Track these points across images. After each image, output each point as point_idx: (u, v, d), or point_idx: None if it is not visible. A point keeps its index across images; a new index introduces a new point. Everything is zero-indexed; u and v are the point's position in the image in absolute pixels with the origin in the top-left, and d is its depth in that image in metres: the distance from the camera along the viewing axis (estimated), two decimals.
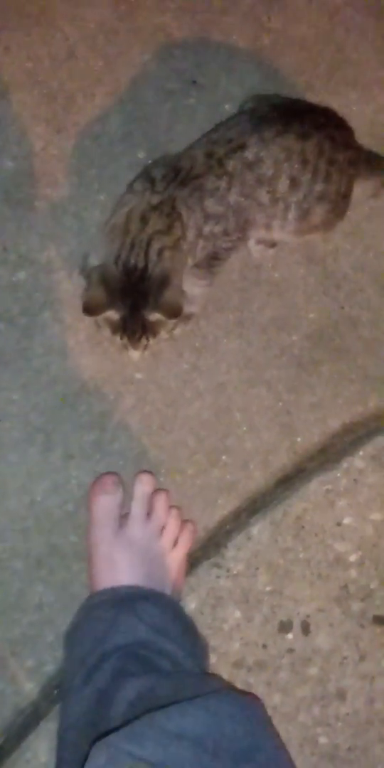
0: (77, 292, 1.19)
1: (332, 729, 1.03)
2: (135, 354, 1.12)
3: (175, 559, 1.04)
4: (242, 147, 1.13)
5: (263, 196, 1.16)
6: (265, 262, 1.27)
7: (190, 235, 1.12)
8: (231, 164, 1.13)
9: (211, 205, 1.13)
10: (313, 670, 1.06)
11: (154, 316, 1.07)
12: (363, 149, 1.28)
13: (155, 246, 1.07)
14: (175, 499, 1.10)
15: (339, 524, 1.13)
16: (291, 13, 1.48)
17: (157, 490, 1.07)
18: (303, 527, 1.12)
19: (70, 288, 1.21)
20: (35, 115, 1.34)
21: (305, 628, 1.07)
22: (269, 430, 1.17)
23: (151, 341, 1.10)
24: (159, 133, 1.34)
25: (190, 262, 1.14)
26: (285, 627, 1.07)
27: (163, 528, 1.04)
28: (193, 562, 1.09)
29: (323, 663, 1.06)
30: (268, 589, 1.09)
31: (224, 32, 1.45)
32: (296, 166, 1.15)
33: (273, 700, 1.03)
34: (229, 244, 1.18)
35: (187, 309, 1.16)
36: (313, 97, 1.38)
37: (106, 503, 1.02)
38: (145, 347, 1.11)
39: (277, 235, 1.23)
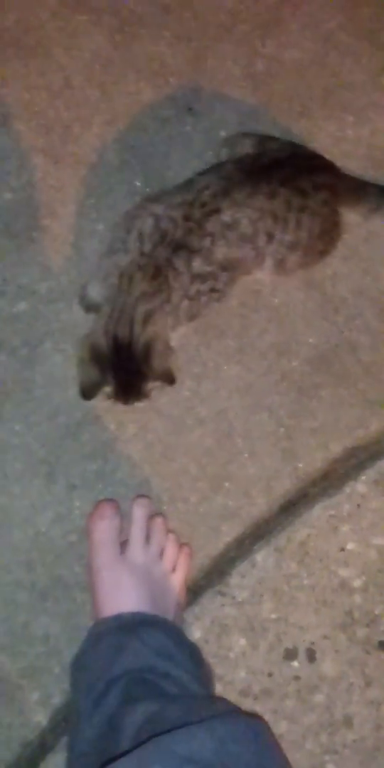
0: (78, 322, 1.20)
1: (340, 756, 1.03)
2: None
3: (176, 582, 1.04)
4: (217, 211, 1.15)
5: (248, 251, 1.19)
6: (263, 285, 1.27)
7: (175, 297, 1.14)
8: (210, 224, 1.15)
9: (198, 265, 1.15)
10: (319, 698, 1.05)
11: (149, 386, 1.12)
12: (347, 179, 1.30)
13: (140, 310, 1.09)
14: (179, 528, 1.10)
15: (343, 549, 1.13)
16: (285, 39, 1.50)
17: (153, 515, 1.07)
18: (307, 553, 1.12)
19: (71, 318, 1.21)
20: (33, 147, 1.35)
21: (311, 655, 1.07)
22: (271, 455, 1.17)
23: (144, 401, 1.14)
24: (156, 160, 1.34)
25: (171, 323, 1.16)
26: (290, 654, 1.07)
27: (162, 551, 1.05)
28: (197, 590, 1.09)
29: (329, 690, 1.06)
30: (273, 616, 1.09)
31: (219, 59, 1.46)
32: (269, 222, 1.18)
33: (280, 728, 1.03)
34: (218, 295, 1.20)
35: None
36: (309, 122, 1.39)
37: (105, 529, 1.03)
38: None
39: (258, 275, 1.25)
